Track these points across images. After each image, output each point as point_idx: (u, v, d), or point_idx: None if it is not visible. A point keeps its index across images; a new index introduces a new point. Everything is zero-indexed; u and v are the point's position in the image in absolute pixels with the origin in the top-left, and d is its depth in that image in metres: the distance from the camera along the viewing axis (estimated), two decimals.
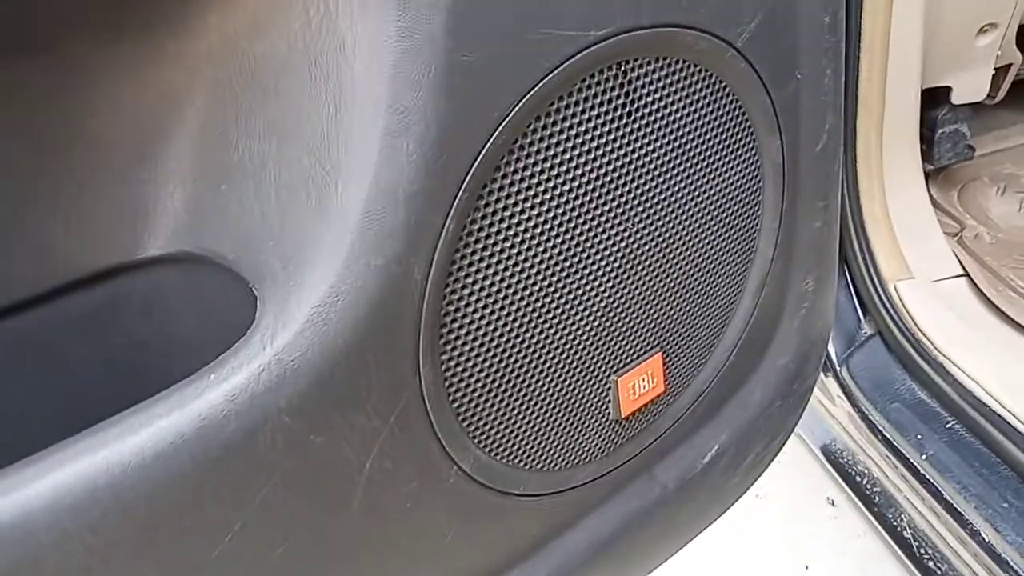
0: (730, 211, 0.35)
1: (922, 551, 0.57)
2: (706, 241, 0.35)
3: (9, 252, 0.27)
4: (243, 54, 0.25)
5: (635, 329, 0.34)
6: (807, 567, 0.84)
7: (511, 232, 0.28)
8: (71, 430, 0.22)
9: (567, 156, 0.28)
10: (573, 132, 0.28)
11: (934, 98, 0.77)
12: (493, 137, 0.25)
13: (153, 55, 0.26)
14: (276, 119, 0.25)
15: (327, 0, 0.23)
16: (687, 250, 0.34)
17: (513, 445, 0.32)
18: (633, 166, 0.30)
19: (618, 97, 0.29)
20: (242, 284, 0.25)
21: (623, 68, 0.29)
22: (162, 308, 0.28)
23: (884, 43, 0.64)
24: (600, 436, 0.35)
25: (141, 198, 0.27)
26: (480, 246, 0.27)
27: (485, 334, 0.29)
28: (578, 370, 0.33)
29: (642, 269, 0.33)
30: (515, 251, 0.28)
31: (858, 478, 0.65)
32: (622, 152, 0.29)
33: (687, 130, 0.31)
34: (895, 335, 0.63)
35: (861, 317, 0.66)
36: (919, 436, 0.59)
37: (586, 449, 0.35)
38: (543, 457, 0.34)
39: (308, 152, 0.24)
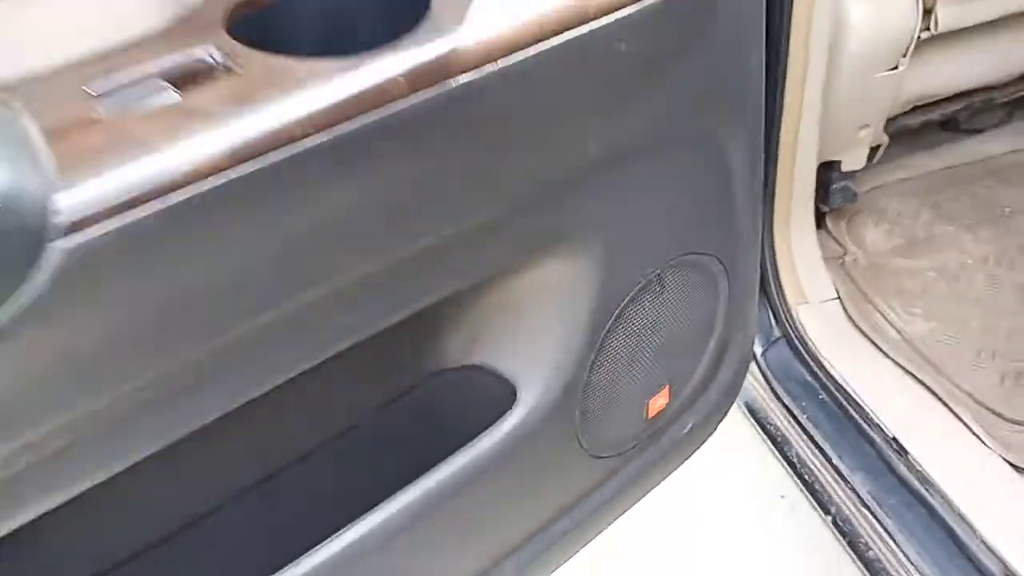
0: (704, 319, 0.71)
1: (801, 471, 0.96)
2: (693, 334, 0.71)
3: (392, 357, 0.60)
4: None
5: (657, 376, 0.70)
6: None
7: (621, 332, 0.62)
8: None
9: (641, 313, 0.63)
10: (643, 307, 0.63)
11: (831, 167, 1.14)
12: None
13: None
14: None
15: None
16: (684, 341, 0.70)
17: (602, 432, 0.68)
18: (663, 313, 0.65)
19: (659, 287, 0.64)
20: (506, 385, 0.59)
21: (663, 273, 0.63)
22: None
23: (794, 138, 0.99)
24: (638, 426, 0.72)
25: None
26: (609, 342, 0.62)
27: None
28: (635, 395, 0.69)
29: (665, 349, 0.69)
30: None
31: (768, 425, 1.04)
32: (659, 309, 0.65)
33: (687, 293, 0.67)
34: (793, 339, 1.01)
35: (774, 326, 1.04)
36: (803, 403, 0.98)
37: (631, 432, 0.72)
38: (616, 438, 0.70)
39: None
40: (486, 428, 0.58)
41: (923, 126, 1.33)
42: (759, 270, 1.01)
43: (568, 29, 0.43)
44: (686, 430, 0.79)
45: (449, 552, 0.65)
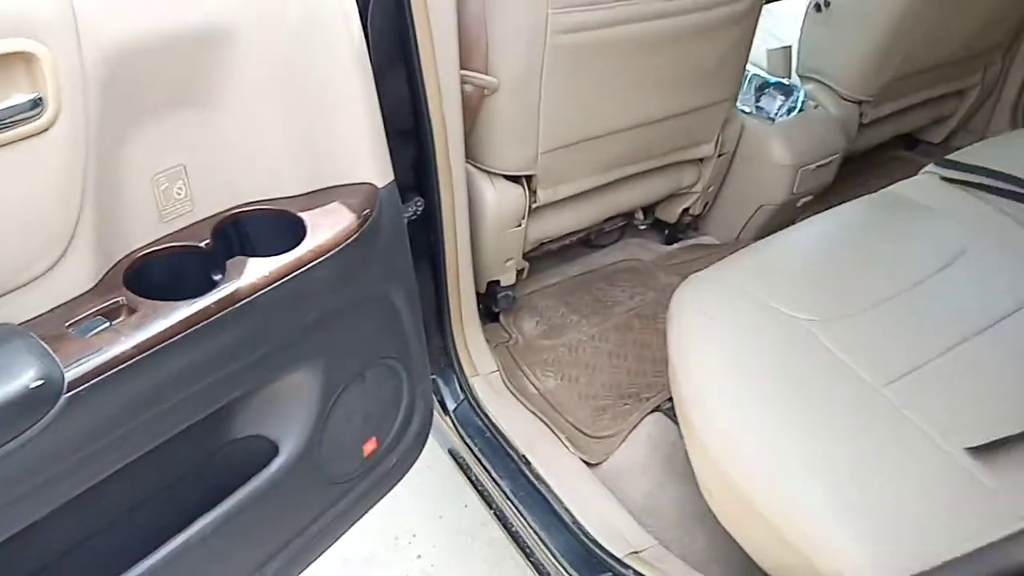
0: (395, 397, 1.22)
1: (476, 483, 1.49)
2: (388, 406, 1.21)
3: None
4: None
5: (367, 430, 1.19)
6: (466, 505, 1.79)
7: (341, 406, 1.11)
8: None
9: (352, 395, 1.13)
10: (352, 392, 1.12)
11: (496, 283, 1.71)
12: None
13: None
14: None
15: None
16: (385, 411, 1.20)
17: (334, 467, 1.15)
18: (366, 394, 1.15)
19: (360, 379, 1.13)
20: None
21: (364, 371, 1.13)
22: None
23: (456, 272, 1.54)
24: (359, 461, 1.19)
25: None
26: (334, 412, 1.10)
27: None
28: (354, 442, 1.17)
29: (372, 414, 1.18)
30: None
31: (458, 458, 1.56)
32: (363, 393, 1.14)
33: (380, 381, 1.16)
34: (471, 400, 1.55)
35: (460, 392, 1.57)
36: (477, 440, 1.51)
37: (355, 466, 1.19)
38: (345, 470, 1.17)
39: None
40: (260, 470, 1.03)
41: (570, 244, 1.98)
42: (444, 357, 1.54)
43: (296, 270, 0.92)
44: (392, 464, 1.28)
45: (236, 556, 1.07)
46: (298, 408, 1.05)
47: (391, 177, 1.05)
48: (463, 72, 1.26)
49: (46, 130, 0.73)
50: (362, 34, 0.92)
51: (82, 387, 0.74)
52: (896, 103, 2.06)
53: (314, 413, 1.06)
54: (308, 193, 0.98)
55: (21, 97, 0.70)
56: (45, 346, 0.73)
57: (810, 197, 1.96)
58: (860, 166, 2.26)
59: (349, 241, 0.96)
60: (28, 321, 0.78)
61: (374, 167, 1.01)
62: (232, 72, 0.86)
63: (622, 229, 2.10)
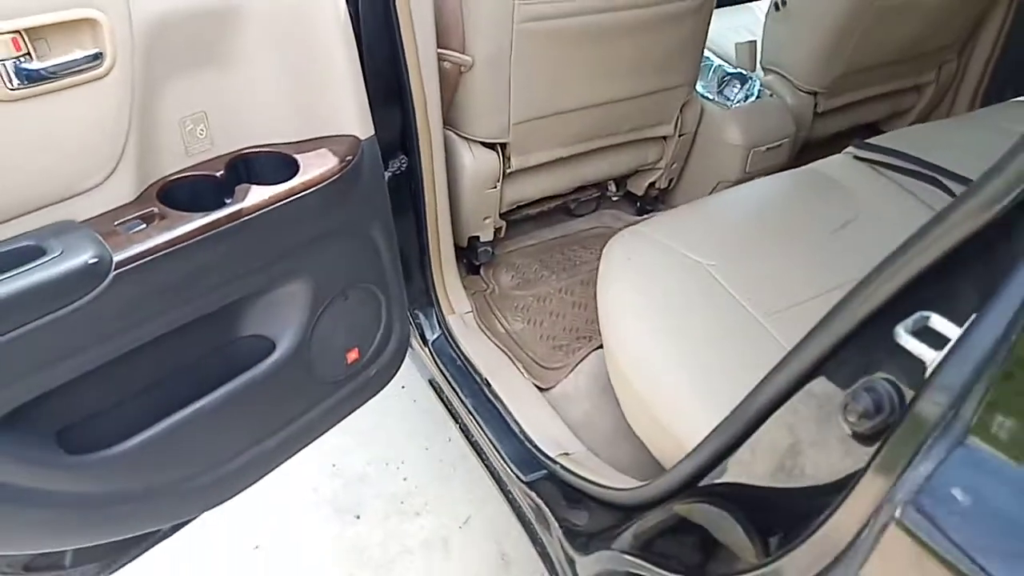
0: (374, 319, 1.48)
1: (448, 404, 1.75)
2: (369, 322, 1.47)
3: None
4: None
5: (349, 341, 1.45)
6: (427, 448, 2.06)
7: (326, 317, 1.37)
8: None
9: (336, 309, 1.39)
10: (336, 306, 1.38)
11: (476, 239, 1.96)
12: None
13: None
14: None
15: None
16: (366, 325, 1.47)
17: (321, 369, 1.42)
18: (349, 309, 1.41)
19: (343, 297, 1.39)
20: None
21: (347, 291, 1.39)
22: None
23: (436, 228, 1.80)
24: (342, 367, 1.46)
25: None
26: (320, 322, 1.36)
27: None
28: (337, 349, 1.43)
29: (354, 325, 1.44)
30: None
31: (436, 385, 1.82)
32: (345, 309, 1.41)
33: (362, 302, 1.43)
34: (446, 335, 1.81)
35: (438, 325, 1.83)
36: (451, 369, 1.77)
37: (339, 370, 1.45)
38: (331, 373, 1.44)
39: None
40: (259, 362, 1.30)
41: (550, 211, 2.22)
42: (424, 296, 1.80)
43: (289, 197, 1.18)
44: (372, 374, 1.54)
45: (237, 430, 1.34)
46: (292, 313, 1.32)
47: (371, 132, 1.31)
48: (441, 51, 1.51)
49: (103, 78, 0.99)
50: (347, 12, 1.17)
51: (125, 268, 1.00)
52: (852, 95, 2.27)
53: (305, 319, 1.32)
54: (302, 141, 1.24)
55: (86, 52, 0.97)
56: (99, 236, 1.00)
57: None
58: (821, 152, 2.47)
59: (334, 178, 1.22)
60: (87, 220, 1.05)
61: (357, 122, 1.27)
62: (244, 41, 1.12)
63: (598, 200, 2.34)
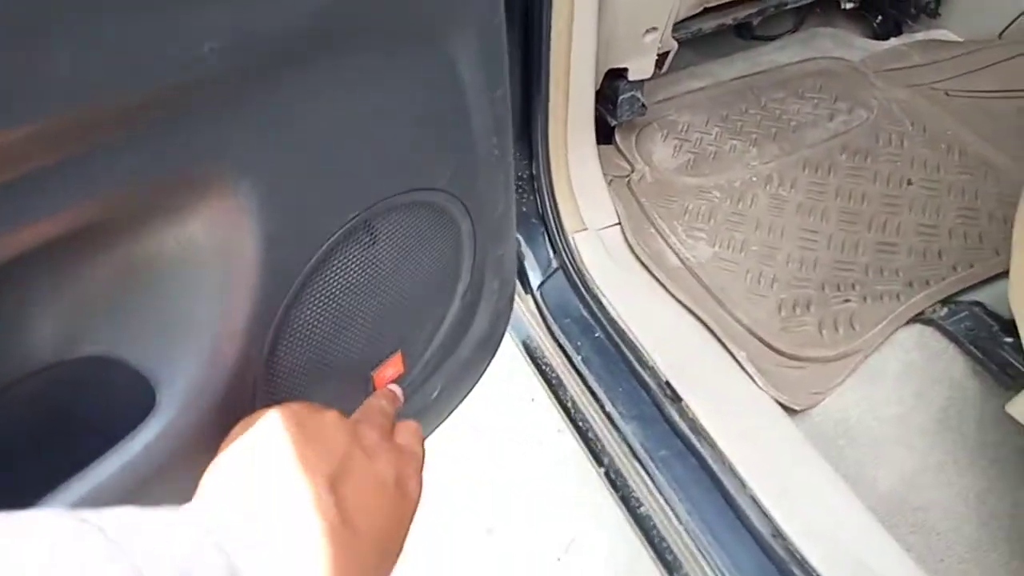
0: (443, 271, 0.57)
1: (575, 417, 0.88)
2: (429, 289, 0.57)
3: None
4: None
5: (381, 345, 0.56)
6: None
7: (312, 300, 0.47)
8: None
9: (343, 273, 0.48)
10: (344, 264, 0.47)
11: (617, 75, 1.01)
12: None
13: None
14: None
15: None
16: (419, 296, 0.56)
17: None
18: (379, 269, 0.50)
19: (367, 237, 0.48)
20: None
21: (371, 219, 0.48)
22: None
23: (567, 44, 0.85)
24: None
25: None
26: (295, 316, 0.46)
27: (294, 365, 0.49)
28: (350, 371, 0.54)
29: (390, 311, 0.54)
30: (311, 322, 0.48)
31: (543, 366, 0.94)
32: (372, 265, 0.50)
33: (413, 241, 0.52)
34: (570, 271, 0.90)
35: (552, 257, 0.93)
36: (578, 342, 0.88)
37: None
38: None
39: None
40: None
41: (716, 31, 1.24)
42: (526, 197, 0.89)
43: None
44: (434, 395, 0.67)
45: None
46: (192, 308, 0.43)
47: None
48: None
49: None
50: None
51: None
52: None
53: (241, 320, 0.43)
54: None
55: None
56: None
57: None
58: None
59: None
60: None
61: None
62: None
63: (806, 11, 1.35)
